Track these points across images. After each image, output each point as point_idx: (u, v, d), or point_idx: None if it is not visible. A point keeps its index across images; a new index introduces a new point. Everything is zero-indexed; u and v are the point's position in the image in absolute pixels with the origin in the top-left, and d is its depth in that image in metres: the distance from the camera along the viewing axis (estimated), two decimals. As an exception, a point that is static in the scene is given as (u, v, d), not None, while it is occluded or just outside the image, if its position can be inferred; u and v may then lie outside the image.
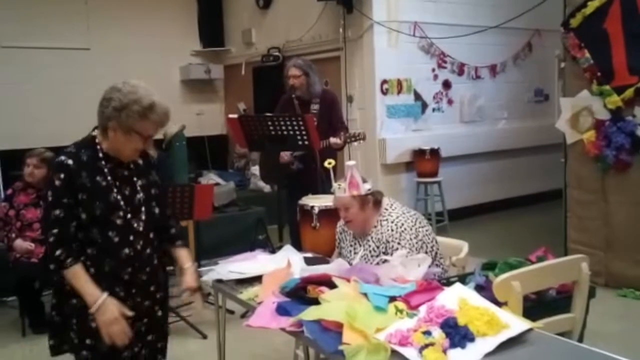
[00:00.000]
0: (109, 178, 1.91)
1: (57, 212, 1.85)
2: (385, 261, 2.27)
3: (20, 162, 3.94)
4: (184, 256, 2.11)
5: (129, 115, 1.84)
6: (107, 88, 1.91)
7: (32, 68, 6.73)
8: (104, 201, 1.89)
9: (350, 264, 2.35)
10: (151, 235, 2.00)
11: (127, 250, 1.92)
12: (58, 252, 1.85)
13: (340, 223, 2.72)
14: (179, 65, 7.83)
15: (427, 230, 2.53)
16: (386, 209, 2.56)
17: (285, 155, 4.13)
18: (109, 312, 1.85)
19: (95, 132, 1.95)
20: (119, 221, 1.91)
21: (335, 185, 2.58)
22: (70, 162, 1.87)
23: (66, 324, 1.94)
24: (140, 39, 7.32)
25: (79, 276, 1.86)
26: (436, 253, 2.52)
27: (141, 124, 1.87)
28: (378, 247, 2.50)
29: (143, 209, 1.97)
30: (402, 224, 2.48)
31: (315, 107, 4.16)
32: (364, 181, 2.53)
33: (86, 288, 1.86)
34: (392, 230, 2.47)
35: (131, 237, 1.93)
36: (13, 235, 3.83)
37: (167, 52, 7.61)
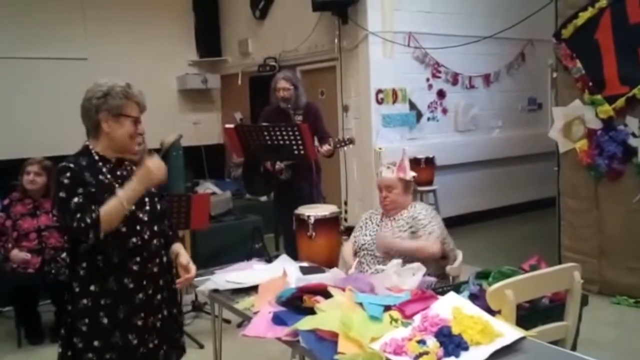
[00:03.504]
0: (108, 176, 1.99)
1: (76, 199, 1.86)
2: (380, 270, 2.30)
3: (18, 172, 3.95)
4: (178, 245, 2.18)
5: (114, 97, 1.96)
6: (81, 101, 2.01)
7: (28, 78, 6.75)
8: (110, 194, 1.94)
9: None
10: (156, 228, 2.04)
11: (134, 240, 1.97)
12: (88, 220, 1.83)
13: (366, 214, 3.06)
14: (176, 75, 7.87)
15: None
16: (415, 201, 2.97)
17: (270, 166, 4.12)
18: (149, 170, 1.92)
19: (87, 142, 2.02)
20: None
21: (384, 166, 2.90)
22: (72, 165, 1.94)
23: (72, 329, 1.95)
24: (138, 49, 7.34)
25: (110, 204, 1.87)
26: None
27: (126, 104, 1.98)
28: (408, 223, 2.83)
29: (146, 199, 2.03)
30: (433, 211, 2.89)
31: (299, 119, 4.22)
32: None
33: (125, 194, 1.89)
34: (426, 211, 2.86)
35: (137, 227, 1.98)
36: (9, 245, 3.83)
37: (164, 62, 7.64)
